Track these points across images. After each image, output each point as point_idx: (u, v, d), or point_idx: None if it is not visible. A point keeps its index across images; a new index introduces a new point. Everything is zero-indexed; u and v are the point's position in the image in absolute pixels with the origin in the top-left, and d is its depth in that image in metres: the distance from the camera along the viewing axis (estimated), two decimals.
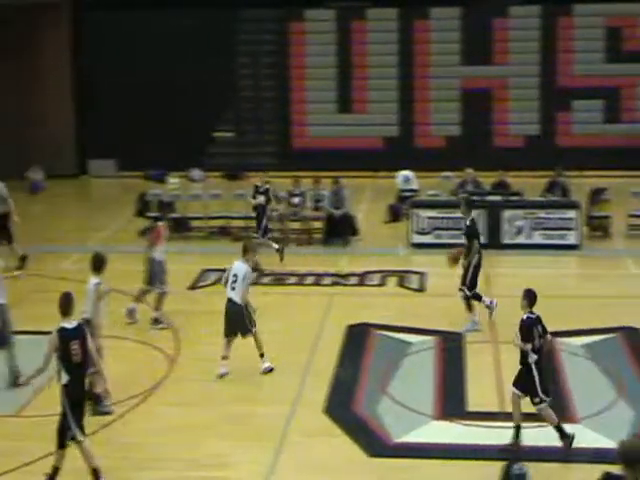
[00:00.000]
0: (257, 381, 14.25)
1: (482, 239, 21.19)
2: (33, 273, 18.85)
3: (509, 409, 12.44)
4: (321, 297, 18.13)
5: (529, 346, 11.79)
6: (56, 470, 11.19)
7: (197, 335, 16.05)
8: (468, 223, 16.49)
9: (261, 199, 20.57)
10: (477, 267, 16.19)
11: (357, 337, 15.94)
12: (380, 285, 18.88)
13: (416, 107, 29.18)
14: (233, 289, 14.35)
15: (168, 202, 22.90)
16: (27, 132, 28.11)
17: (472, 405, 13.38)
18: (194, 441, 12.41)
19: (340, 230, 21.86)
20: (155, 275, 16.60)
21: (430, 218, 21.39)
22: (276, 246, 20.29)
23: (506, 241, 21.12)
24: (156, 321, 16.49)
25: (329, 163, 26.91)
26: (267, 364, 14.49)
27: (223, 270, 19.34)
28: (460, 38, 28.86)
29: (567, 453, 11.86)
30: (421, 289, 18.49)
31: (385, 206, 23.92)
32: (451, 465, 11.79)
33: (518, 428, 11.99)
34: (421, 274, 19.01)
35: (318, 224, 22.19)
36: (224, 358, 14.35)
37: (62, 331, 10.99)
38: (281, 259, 20.15)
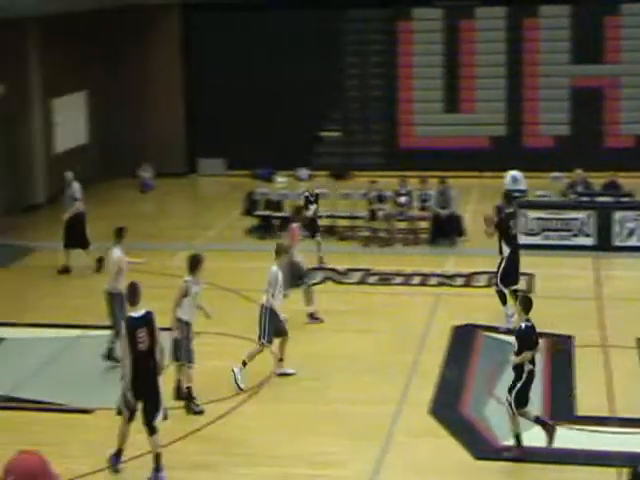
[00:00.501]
0: (364, 380, 14.23)
1: (591, 240, 20.85)
2: (141, 270, 19.15)
3: (620, 414, 12.19)
4: (427, 297, 18.04)
5: (530, 353, 11.58)
6: (157, 456, 11.42)
7: (303, 333, 16.10)
8: (502, 216, 16.67)
9: (314, 207, 20.56)
10: (510, 260, 16.13)
11: (463, 338, 15.82)
12: (487, 286, 18.68)
13: (524, 106, 28.82)
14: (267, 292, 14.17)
15: (275, 201, 23.08)
16: (139, 131, 28.62)
17: (581, 409, 13.15)
18: (300, 439, 12.45)
19: (447, 230, 21.71)
20: (294, 276, 16.57)
21: (538, 219, 21.11)
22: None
23: (617, 243, 20.72)
24: (312, 316, 16.57)
25: (435, 163, 26.77)
26: (284, 370, 14.38)
27: (329, 269, 19.64)
28: (570, 36, 28.38)
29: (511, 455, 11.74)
30: (529, 291, 18.22)
31: (492, 207, 23.63)
32: (557, 470, 11.61)
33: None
34: (529, 276, 18.73)
35: (424, 224, 22.08)
36: (280, 360, 14.36)
37: (129, 320, 11.32)
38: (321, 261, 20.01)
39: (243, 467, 11.83)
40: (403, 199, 22.16)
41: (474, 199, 25.62)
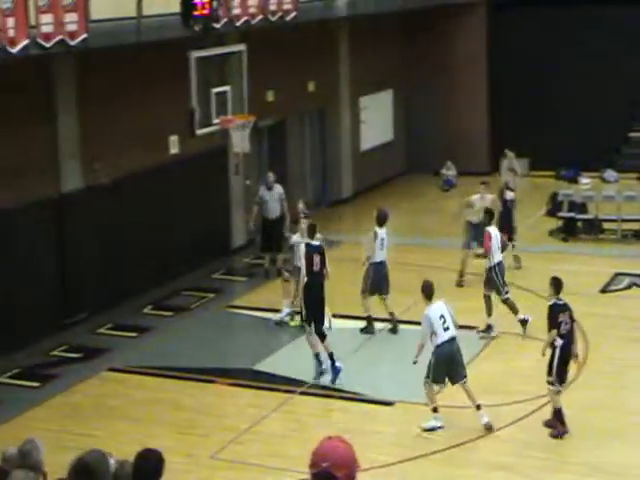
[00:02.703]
0: None
1: None
2: (445, 267, 19.33)
3: None
4: None
5: (554, 331, 12.17)
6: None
7: (606, 339, 15.69)
8: None
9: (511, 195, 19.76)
10: None
11: None
12: None
13: None
14: (447, 329, 12.66)
15: (579, 203, 22.57)
16: (443, 130, 28.78)
17: None
18: (599, 447, 12.14)
19: None
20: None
21: None
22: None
23: None
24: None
25: None
26: (485, 419, 12.67)
27: (635, 275, 18.97)
28: None
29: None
30: None
31: None
32: None
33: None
34: None
35: None
36: (478, 408, 12.65)
37: (308, 246, 14.77)
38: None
39: (541, 471, 11.71)
40: None
41: None
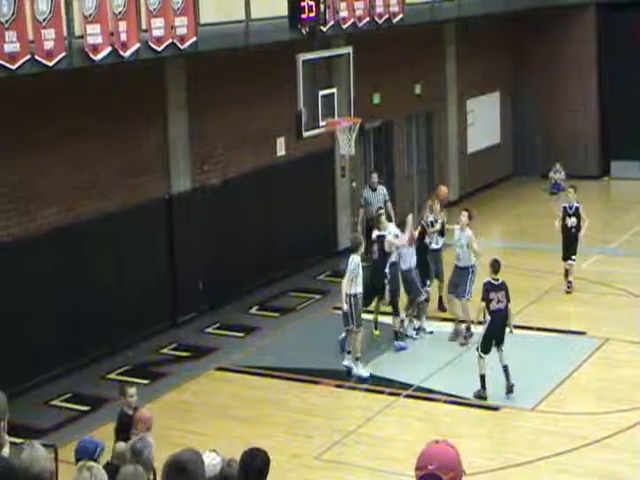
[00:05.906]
0: None
1: None
2: (555, 271, 19.04)
3: None
4: None
5: (482, 303, 13.44)
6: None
7: None
8: None
9: (573, 220, 18.81)
10: None
11: None
12: None
13: None
14: None
15: None
16: (551, 132, 28.36)
17: None
18: None
19: None
20: None
21: None
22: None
23: None
24: None
25: None
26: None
27: None
28: None
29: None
30: None
31: None
32: None
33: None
34: None
35: None
36: None
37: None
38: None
39: None
40: None
41: None
